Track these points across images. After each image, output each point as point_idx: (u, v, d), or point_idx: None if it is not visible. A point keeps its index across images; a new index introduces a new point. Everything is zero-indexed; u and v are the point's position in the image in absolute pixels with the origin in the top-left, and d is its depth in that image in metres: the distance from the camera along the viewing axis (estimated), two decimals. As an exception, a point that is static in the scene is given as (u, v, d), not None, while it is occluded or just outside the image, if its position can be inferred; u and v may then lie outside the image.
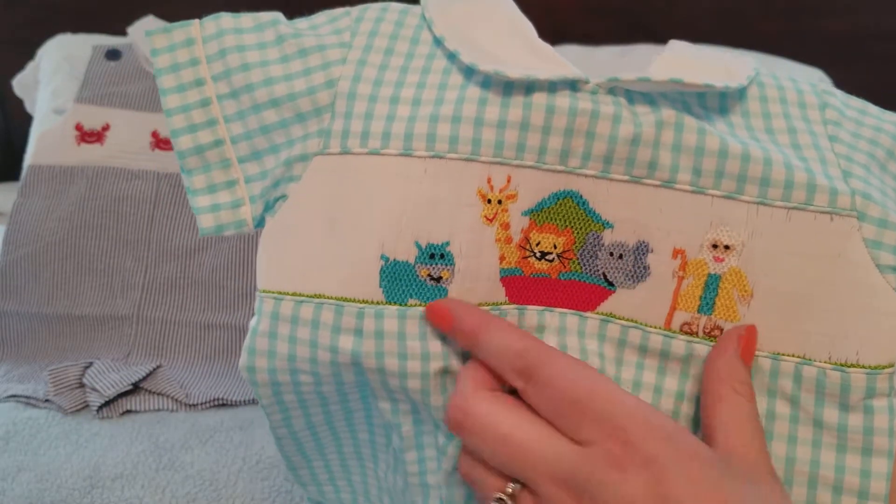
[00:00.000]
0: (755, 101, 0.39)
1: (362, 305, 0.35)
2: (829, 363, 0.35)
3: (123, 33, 0.93)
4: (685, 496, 0.28)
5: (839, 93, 0.40)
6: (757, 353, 0.36)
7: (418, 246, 0.36)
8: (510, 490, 0.32)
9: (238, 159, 0.39)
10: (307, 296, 0.36)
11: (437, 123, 0.36)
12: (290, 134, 0.38)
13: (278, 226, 0.38)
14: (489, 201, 0.36)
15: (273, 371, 0.37)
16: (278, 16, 0.40)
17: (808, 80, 0.42)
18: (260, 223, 0.39)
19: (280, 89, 0.38)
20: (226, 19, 0.39)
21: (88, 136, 0.84)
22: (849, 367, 0.35)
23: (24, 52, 1.00)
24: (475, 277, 0.36)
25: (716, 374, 0.34)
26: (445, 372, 0.36)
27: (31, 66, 1.00)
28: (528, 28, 0.40)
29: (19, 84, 1.01)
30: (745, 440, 0.32)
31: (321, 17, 0.41)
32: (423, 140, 0.36)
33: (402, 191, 0.36)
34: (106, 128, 0.85)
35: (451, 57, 0.39)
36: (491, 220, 0.37)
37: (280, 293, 0.37)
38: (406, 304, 0.36)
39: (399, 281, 0.36)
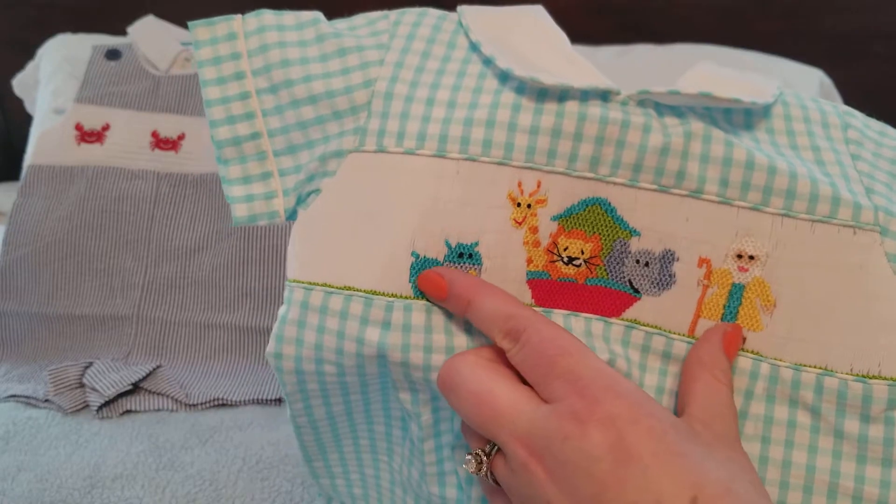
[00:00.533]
0: (779, 119, 0.40)
1: (391, 299, 0.36)
2: (851, 374, 0.35)
3: (123, 33, 0.93)
4: (645, 452, 0.28)
5: (859, 114, 0.41)
6: (779, 363, 0.36)
7: (448, 245, 0.37)
8: (487, 449, 0.33)
9: (274, 152, 0.40)
10: (337, 287, 0.37)
11: (471, 127, 0.37)
12: (326, 130, 0.39)
13: (311, 219, 0.39)
14: (519, 205, 0.37)
15: (299, 359, 0.38)
16: (319, 15, 0.41)
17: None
18: (292, 216, 0.40)
19: (318, 86, 0.39)
20: (268, 16, 0.41)
21: (88, 135, 0.84)
22: (871, 378, 0.35)
23: (24, 52, 1.00)
24: (502, 278, 0.37)
25: (697, 359, 0.35)
26: None
27: (31, 66, 1.00)
28: (562, 38, 0.42)
29: (19, 84, 1.01)
30: (713, 413, 0.33)
31: (360, 20, 0.42)
32: (458, 142, 0.37)
33: (434, 190, 0.37)
34: (106, 128, 0.85)
35: (487, 62, 0.40)
36: (520, 224, 0.37)
37: (310, 283, 0.38)
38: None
39: None
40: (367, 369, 0.38)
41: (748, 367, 0.36)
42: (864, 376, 0.35)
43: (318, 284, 0.37)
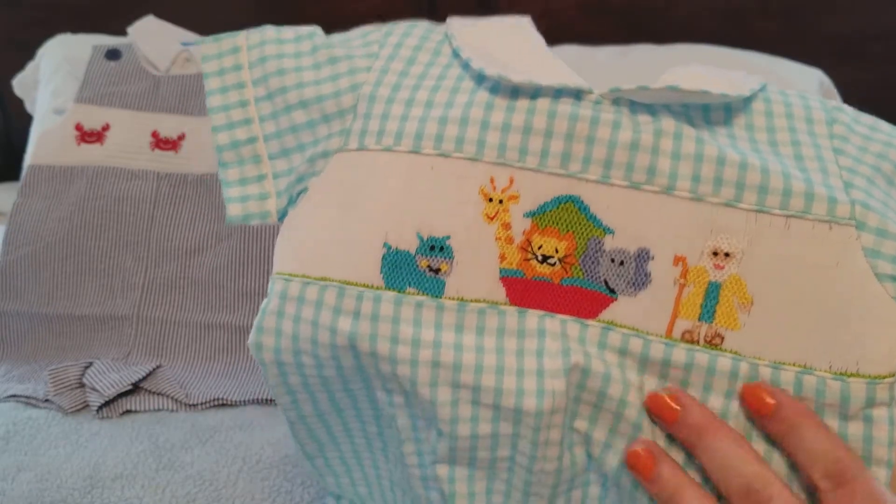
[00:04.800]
0: (760, 116, 0.40)
1: (362, 289, 0.37)
2: (830, 372, 0.35)
3: (123, 33, 0.93)
4: None
5: (850, 109, 0.41)
6: (758, 361, 0.36)
7: (420, 237, 0.37)
8: None
9: (269, 156, 0.42)
10: (314, 278, 0.38)
11: (445, 125, 0.38)
12: (316, 134, 0.41)
13: (295, 215, 0.41)
14: (491, 200, 0.38)
15: (278, 350, 0.39)
16: (316, 29, 0.44)
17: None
18: (283, 216, 0.42)
19: (309, 92, 0.41)
20: (269, 31, 0.44)
21: (88, 136, 0.84)
22: (849, 376, 0.35)
23: (24, 52, 1.01)
24: (474, 274, 0.37)
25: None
26: (437, 364, 0.36)
27: (31, 66, 1.00)
28: (540, 43, 0.43)
29: (19, 84, 1.01)
30: None
31: (354, 32, 0.45)
32: (432, 139, 0.38)
33: (408, 185, 0.38)
34: (106, 128, 0.85)
35: (466, 66, 0.41)
36: (492, 219, 0.38)
37: (291, 275, 0.39)
38: (404, 292, 0.37)
39: (399, 269, 0.37)
40: (343, 362, 0.38)
41: (727, 368, 0.36)
42: (842, 374, 0.35)
43: (296, 276, 0.38)
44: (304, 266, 0.38)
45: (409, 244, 0.37)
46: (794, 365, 0.36)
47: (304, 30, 0.44)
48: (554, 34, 1.03)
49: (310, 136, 0.41)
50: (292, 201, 0.41)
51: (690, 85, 0.37)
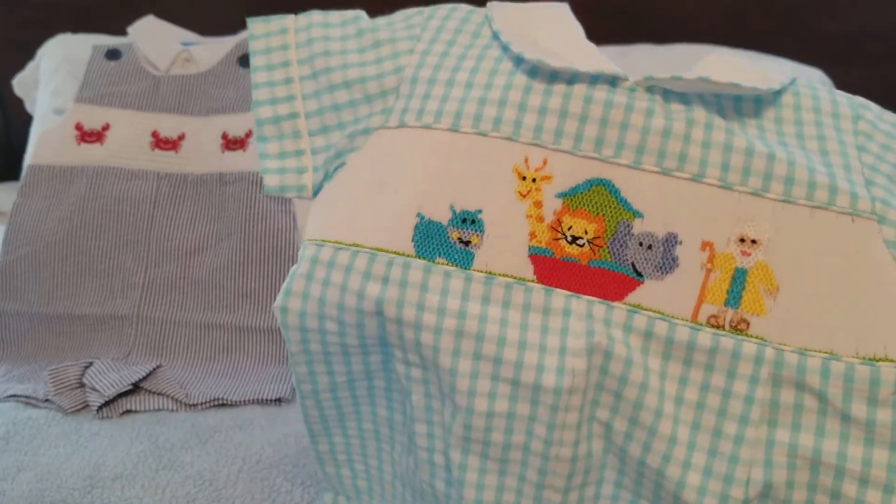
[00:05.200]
0: (789, 109, 0.41)
1: (393, 256, 0.38)
2: (857, 358, 0.36)
3: (123, 33, 0.93)
4: None
5: (875, 107, 0.42)
6: (784, 347, 0.36)
7: (452, 210, 0.39)
8: None
9: (309, 132, 0.44)
10: (346, 244, 0.39)
11: (484, 105, 0.39)
12: (357, 113, 0.42)
13: (333, 186, 0.42)
14: (524, 178, 0.39)
15: (303, 315, 0.39)
16: (361, 13, 0.46)
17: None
18: (317, 191, 0.43)
19: (353, 73, 0.43)
20: (316, 15, 0.45)
21: (88, 135, 0.84)
22: (878, 361, 0.36)
23: (24, 52, 1.00)
24: (503, 248, 0.38)
25: None
26: (460, 334, 0.37)
27: (31, 66, 1.00)
28: (578, 30, 0.44)
29: (19, 84, 1.01)
30: None
31: (398, 16, 0.46)
32: (471, 119, 0.39)
33: (445, 160, 0.39)
34: (106, 128, 0.85)
35: (505, 48, 0.42)
36: (524, 196, 0.39)
37: (323, 240, 0.40)
38: (434, 261, 0.38)
39: (430, 239, 0.38)
40: (367, 330, 0.39)
41: (753, 353, 0.36)
42: (871, 359, 0.36)
43: (329, 241, 0.39)
44: (337, 233, 0.40)
45: (442, 216, 0.39)
46: (820, 351, 0.36)
47: (350, 14, 0.46)
48: (554, 34, 1.03)
49: (351, 114, 0.42)
50: (328, 176, 0.42)
51: (722, 77, 0.37)
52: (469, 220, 0.39)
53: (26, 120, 1.00)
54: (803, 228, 0.37)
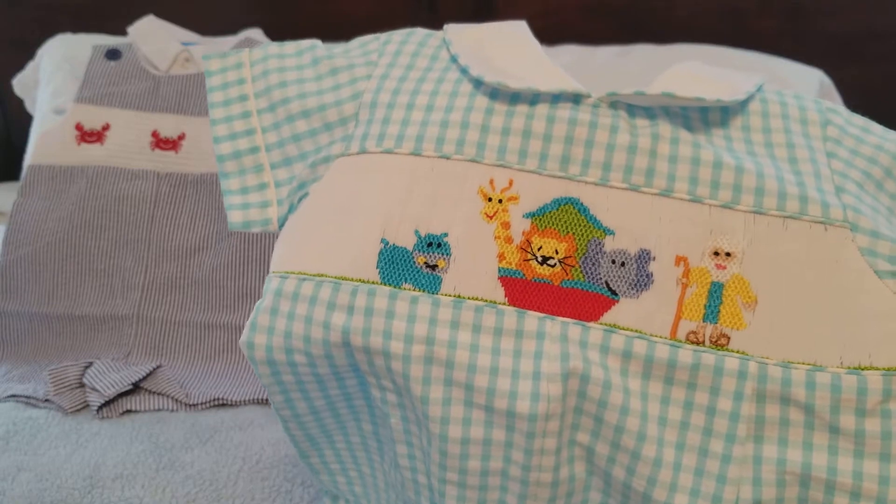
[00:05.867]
0: (756, 116, 0.40)
1: (358, 284, 0.37)
2: (843, 368, 0.35)
3: (123, 33, 0.93)
4: None
5: (844, 111, 0.42)
6: (767, 360, 0.36)
7: (417, 234, 0.38)
8: None
9: (271, 165, 0.43)
10: (311, 274, 0.38)
11: (446, 128, 0.39)
12: (318, 142, 0.42)
13: (297, 218, 0.41)
14: (490, 200, 0.38)
15: (270, 349, 0.39)
16: (316, 42, 0.46)
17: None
18: (284, 223, 0.43)
19: (312, 102, 0.42)
20: (271, 47, 0.45)
21: (88, 135, 0.84)
22: (864, 369, 0.35)
23: (24, 52, 1.00)
24: (472, 270, 0.37)
25: None
26: (429, 361, 0.36)
27: (31, 65, 0.99)
28: (537, 48, 0.43)
29: (19, 84, 1.01)
30: None
31: (354, 43, 0.46)
32: (433, 142, 0.39)
33: (408, 184, 0.38)
34: (106, 127, 0.84)
35: (464, 70, 0.42)
36: (491, 217, 0.38)
37: (287, 272, 0.39)
38: (400, 287, 0.37)
39: (396, 265, 0.37)
40: (337, 360, 0.38)
41: (735, 368, 0.35)
42: (857, 368, 0.35)
43: (293, 273, 0.39)
44: (300, 263, 0.39)
45: (407, 240, 0.38)
46: (803, 363, 0.35)
47: (305, 43, 0.45)
48: (554, 34, 1.03)
49: (311, 144, 0.42)
50: (293, 208, 0.42)
51: (686, 91, 0.37)
52: (435, 244, 0.38)
53: (26, 120, 1.00)
54: (777, 239, 0.36)
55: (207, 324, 0.76)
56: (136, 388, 0.68)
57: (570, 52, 1.00)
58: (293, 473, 0.56)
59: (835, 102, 0.94)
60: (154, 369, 0.70)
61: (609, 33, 1.06)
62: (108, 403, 0.65)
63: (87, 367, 0.69)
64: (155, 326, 0.76)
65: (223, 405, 0.68)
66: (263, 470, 0.56)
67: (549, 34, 1.05)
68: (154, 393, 0.68)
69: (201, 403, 0.67)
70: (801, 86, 0.93)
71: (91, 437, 0.60)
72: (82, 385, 0.67)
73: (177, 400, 0.67)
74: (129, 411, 0.66)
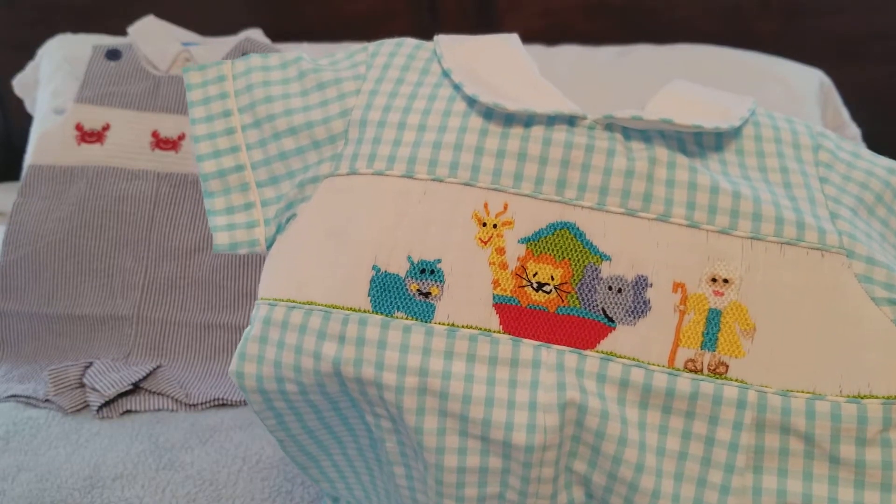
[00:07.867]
0: (750, 140, 0.40)
1: (348, 312, 0.36)
2: (842, 396, 0.35)
3: (123, 33, 0.93)
4: None
5: (833, 135, 0.42)
6: (766, 389, 0.35)
7: (410, 260, 0.37)
8: None
9: (257, 183, 0.42)
10: (300, 302, 0.37)
11: (439, 150, 0.38)
12: (306, 160, 0.40)
13: (285, 239, 0.40)
14: (485, 224, 0.37)
15: (260, 378, 0.38)
16: (301, 54, 0.44)
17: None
18: (272, 243, 0.41)
19: (299, 119, 0.41)
20: (255, 59, 0.43)
21: (88, 136, 0.84)
22: (863, 398, 0.35)
23: (24, 52, 1.00)
24: (466, 298, 0.36)
25: None
26: (423, 392, 0.35)
27: (31, 66, 0.99)
28: (530, 66, 0.42)
29: (19, 84, 1.01)
30: None
31: (340, 54, 0.44)
32: (426, 164, 0.38)
33: (400, 208, 0.37)
34: (106, 128, 0.84)
35: (457, 87, 0.41)
36: (485, 243, 0.37)
37: (275, 299, 0.38)
38: (392, 316, 0.36)
39: (388, 292, 0.36)
40: (329, 388, 0.37)
41: (735, 397, 0.35)
42: (856, 396, 0.35)
43: (281, 300, 0.37)
44: (289, 290, 0.37)
45: (399, 267, 0.37)
46: (803, 392, 0.35)
47: (290, 55, 0.44)
48: (554, 34, 1.03)
49: (299, 162, 0.40)
50: (281, 228, 0.40)
51: (684, 118, 0.37)
52: (428, 271, 0.36)
53: (26, 120, 1.00)
54: (775, 265, 0.36)
55: (207, 324, 0.76)
56: (136, 388, 0.68)
57: (571, 52, 1.00)
58: (293, 473, 0.56)
59: (835, 102, 0.94)
60: (154, 369, 0.70)
61: (609, 33, 1.06)
62: (108, 403, 0.65)
63: (87, 367, 0.69)
64: (155, 326, 0.76)
65: (223, 405, 0.68)
66: (263, 470, 0.56)
67: (549, 34, 1.05)
68: (154, 393, 0.68)
69: (201, 403, 0.67)
70: (801, 86, 0.93)
71: (91, 437, 0.60)
72: (82, 385, 0.67)
73: (177, 400, 0.67)
74: (129, 411, 0.66)
